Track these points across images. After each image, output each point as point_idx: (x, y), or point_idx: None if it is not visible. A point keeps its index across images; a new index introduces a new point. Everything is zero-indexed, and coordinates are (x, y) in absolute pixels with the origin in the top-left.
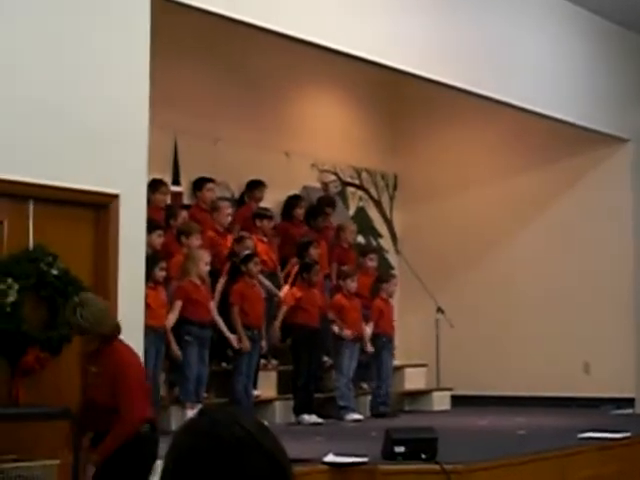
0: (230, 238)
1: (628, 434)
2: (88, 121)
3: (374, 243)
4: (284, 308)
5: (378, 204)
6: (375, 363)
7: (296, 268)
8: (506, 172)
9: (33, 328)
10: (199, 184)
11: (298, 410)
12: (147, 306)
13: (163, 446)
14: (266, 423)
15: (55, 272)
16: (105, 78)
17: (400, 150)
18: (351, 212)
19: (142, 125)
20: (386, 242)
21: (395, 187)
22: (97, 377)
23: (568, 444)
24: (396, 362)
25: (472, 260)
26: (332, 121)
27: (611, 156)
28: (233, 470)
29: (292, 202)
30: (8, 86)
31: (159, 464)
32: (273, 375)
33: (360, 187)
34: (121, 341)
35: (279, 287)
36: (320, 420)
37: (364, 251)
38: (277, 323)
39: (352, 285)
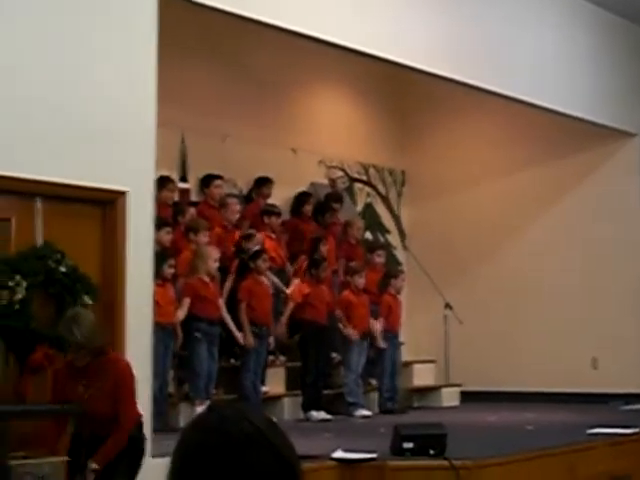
0: (238, 235)
1: (637, 430)
2: (95, 119)
3: (382, 239)
4: (291, 304)
5: (386, 200)
6: (381, 359)
7: (305, 264)
8: (514, 167)
9: (42, 325)
10: (207, 181)
11: (307, 406)
12: (155, 303)
13: (171, 443)
14: (275, 419)
15: (63, 269)
16: (112, 76)
17: (408, 146)
18: (359, 208)
19: (150, 122)
20: (394, 238)
21: (403, 183)
22: (97, 390)
23: (577, 440)
24: (405, 358)
25: (480, 256)
26: (339, 117)
27: (619, 150)
28: (241, 466)
29: (301, 199)
30: (17, 85)
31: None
32: (281, 371)
33: (368, 183)
34: (113, 350)
35: (287, 284)
36: (329, 416)
37: (372, 247)
38: (284, 319)
39: (360, 281)
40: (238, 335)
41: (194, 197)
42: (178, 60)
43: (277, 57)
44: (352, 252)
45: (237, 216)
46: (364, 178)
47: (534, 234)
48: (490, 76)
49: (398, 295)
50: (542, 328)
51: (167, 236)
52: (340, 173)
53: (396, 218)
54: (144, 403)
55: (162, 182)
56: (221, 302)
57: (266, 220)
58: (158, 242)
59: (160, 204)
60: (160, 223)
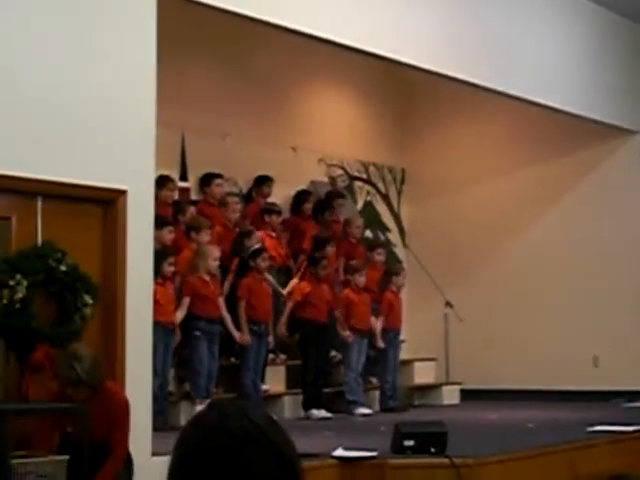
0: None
1: (638, 427)
2: (95, 118)
3: (382, 237)
4: (290, 304)
5: (386, 198)
6: (382, 358)
7: (305, 263)
8: (515, 166)
9: (42, 324)
10: (207, 180)
11: (307, 405)
12: (156, 302)
13: (171, 441)
14: (275, 417)
15: (64, 268)
16: (111, 75)
17: (408, 144)
18: (359, 206)
19: (149, 121)
20: (394, 236)
21: (403, 181)
22: (95, 419)
23: (578, 438)
24: (405, 356)
25: (481, 254)
26: (339, 116)
27: (619, 148)
28: (241, 464)
29: (301, 197)
30: (17, 84)
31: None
32: (282, 370)
33: (368, 181)
34: (110, 381)
35: (288, 282)
36: (329, 415)
37: (372, 245)
38: (283, 319)
39: (360, 280)
40: (235, 333)
41: (194, 196)
42: (178, 59)
43: (277, 56)
44: (352, 250)
45: (238, 215)
46: (364, 176)
47: (534, 232)
48: (491, 74)
49: (399, 293)
50: (543, 326)
51: (169, 235)
52: (340, 171)
53: (396, 216)
54: (144, 402)
55: (162, 181)
56: (221, 301)
57: (266, 219)
58: (160, 241)
59: (160, 203)
60: (161, 222)
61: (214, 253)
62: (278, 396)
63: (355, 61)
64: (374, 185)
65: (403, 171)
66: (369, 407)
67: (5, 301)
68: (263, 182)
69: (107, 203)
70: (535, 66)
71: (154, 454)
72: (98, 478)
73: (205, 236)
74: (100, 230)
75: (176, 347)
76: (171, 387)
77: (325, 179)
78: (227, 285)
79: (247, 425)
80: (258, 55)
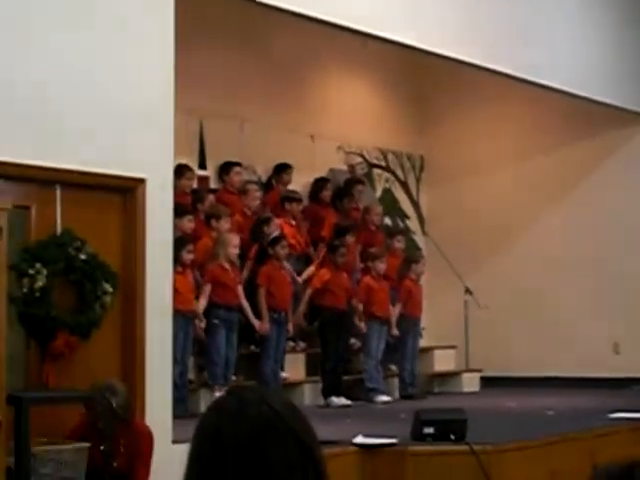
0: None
1: None
2: (114, 106)
3: (401, 225)
4: (309, 291)
5: (405, 186)
6: (400, 345)
7: (324, 251)
8: (534, 151)
9: (62, 313)
10: (226, 168)
11: (327, 393)
12: (175, 290)
13: (191, 429)
14: (295, 403)
15: (83, 257)
16: (130, 63)
17: (426, 131)
18: (378, 194)
19: (168, 109)
20: (413, 224)
21: (422, 168)
22: (120, 449)
23: (598, 425)
24: (425, 344)
25: (500, 241)
26: (358, 103)
27: (638, 133)
28: (259, 451)
29: (319, 184)
30: (32, 73)
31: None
32: (301, 357)
33: (386, 169)
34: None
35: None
36: (349, 402)
37: (391, 233)
38: (301, 308)
39: (381, 267)
40: (255, 322)
41: (213, 184)
42: (196, 47)
43: (295, 43)
44: (371, 238)
45: (257, 202)
46: (383, 164)
47: (554, 217)
48: (509, 60)
49: (418, 280)
50: (563, 313)
51: (189, 224)
52: (359, 159)
53: (415, 203)
54: (165, 390)
55: (181, 170)
56: (240, 289)
57: (287, 207)
58: (181, 230)
59: (179, 192)
60: (181, 211)
61: (234, 241)
62: (298, 384)
63: (373, 48)
64: (393, 172)
65: (422, 158)
66: (389, 394)
67: (25, 290)
68: (283, 170)
69: (126, 192)
70: (553, 51)
71: (174, 441)
72: None
73: (225, 224)
74: (119, 219)
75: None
76: (191, 375)
77: (344, 167)
78: (246, 272)
79: (266, 411)
80: (277, 42)
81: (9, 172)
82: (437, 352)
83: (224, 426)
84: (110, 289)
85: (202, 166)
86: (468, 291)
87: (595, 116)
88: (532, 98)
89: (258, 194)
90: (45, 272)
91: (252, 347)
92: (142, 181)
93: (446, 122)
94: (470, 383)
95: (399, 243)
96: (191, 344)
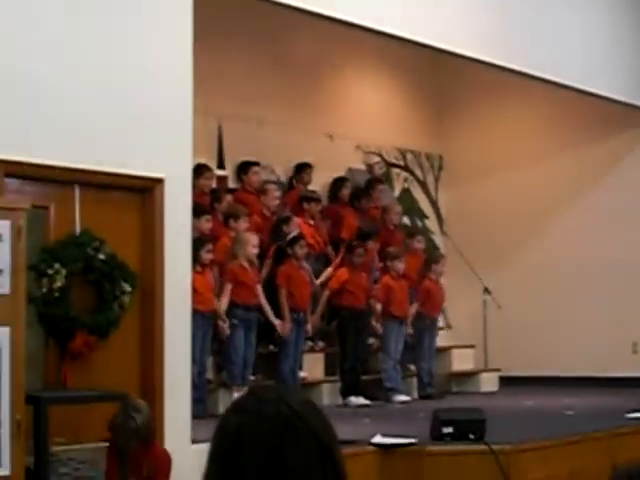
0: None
1: None
2: (132, 106)
3: (419, 224)
4: (326, 292)
5: (423, 185)
6: (417, 344)
7: (342, 251)
8: (552, 150)
9: (81, 312)
10: (244, 168)
11: (345, 392)
12: (194, 290)
13: (210, 429)
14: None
15: (102, 257)
16: (148, 63)
17: (445, 131)
18: (396, 193)
19: (186, 109)
20: (432, 223)
21: (440, 168)
22: (138, 470)
23: (617, 424)
24: (444, 343)
25: (519, 240)
26: (376, 102)
27: None
28: (278, 450)
29: (338, 184)
30: (50, 73)
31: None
32: (320, 357)
33: (405, 168)
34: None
35: (326, 269)
36: (367, 402)
37: (411, 233)
38: (319, 309)
39: (400, 266)
40: (275, 322)
41: (231, 184)
42: (214, 47)
43: (313, 43)
44: (390, 237)
45: (277, 202)
46: (401, 163)
47: (573, 217)
48: (528, 60)
49: (438, 280)
50: (581, 312)
51: (207, 224)
52: (377, 158)
53: (434, 203)
54: (184, 390)
55: (199, 170)
56: (259, 288)
57: (305, 206)
58: (198, 230)
59: (198, 192)
60: (199, 211)
61: (253, 240)
62: (316, 383)
63: (392, 47)
64: (411, 172)
65: (440, 158)
66: (407, 394)
67: (44, 290)
68: (303, 169)
69: (145, 192)
70: (572, 51)
71: (193, 441)
72: None
73: (243, 224)
74: (138, 218)
75: (214, 334)
76: (210, 375)
77: (362, 166)
78: (265, 272)
79: (285, 410)
80: (295, 42)
81: (28, 172)
82: (455, 351)
83: (244, 425)
84: (129, 289)
85: (220, 166)
86: (487, 291)
87: (613, 115)
88: (550, 97)
89: (277, 194)
90: (64, 272)
91: (271, 347)
92: (161, 181)
93: (465, 122)
94: (489, 383)
95: (419, 243)
96: (210, 344)
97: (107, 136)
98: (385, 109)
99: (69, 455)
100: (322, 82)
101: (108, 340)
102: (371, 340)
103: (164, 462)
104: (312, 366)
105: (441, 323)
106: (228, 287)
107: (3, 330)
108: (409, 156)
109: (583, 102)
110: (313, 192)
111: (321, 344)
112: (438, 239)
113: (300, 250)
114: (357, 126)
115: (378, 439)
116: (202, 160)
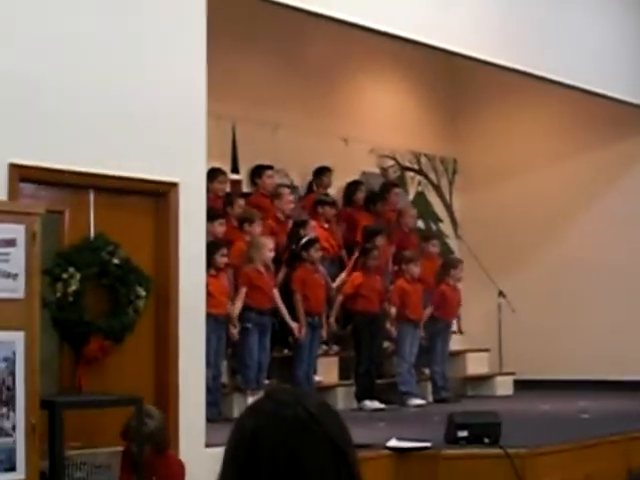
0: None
1: None
2: (146, 111)
3: (434, 228)
4: (340, 297)
5: (438, 189)
6: (431, 348)
7: (356, 255)
8: (567, 153)
9: (96, 317)
10: (258, 171)
11: (360, 396)
12: (208, 294)
13: (224, 433)
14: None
15: (116, 261)
16: (162, 68)
17: (459, 134)
18: (410, 197)
19: (200, 114)
20: (446, 227)
21: (454, 171)
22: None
23: (633, 428)
24: (458, 347)
25: (533, 243)
26: (390, 106)
27: None
28: (294, 453)
29: (352, 188)
30: (64, 80)
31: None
32: (334, 361)
33: (419, 172)
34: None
35: (340, 272)
36: (382, 406)
37: (426, 236)
38: (333, 314)
39: (415, 270)
40: (294, 326)
41: (245, 188)
42: (228, 51)
43: (327, 46)
44: (405, 240)
45: (291, 206)
46: (415, 167)
47: (587, 220)
48: (543, 63)
49: (456, 285)
50: (597, 316)
51: (220, 228)
52: (391, 162)
53: (448, 207)
54: (198, 394)
55: (213, 174)
56: (276, 292)
57: (320, 210)
58: (212, 234)
59: (212, 196)
60: (213, 215)
61: (269, 244)
62: (331, 387)
63: (406, 51)
64: (426, 176)
65: (455, 161)
66: (422, 398)
67: (59, 294)
68: (322, 173)
69: (159, 196)
70: (586, 53)
71: (207, 445)
72: None
73: (258, 228)
74: (152, 223)
75: (228, 338)
76: (224, 379)
77: (377, 170)
78: (281, 276)
79: (301, 414)
80: (309, 46)
81: (43, 177)
82: (470, 355)
83: (261, 428)
84: (143, 293)
85: (235, 170)
86: (501, 294)
87: (627, 117)
88: (565, 100)
89: (291, 198)
90: (78, 276)
91: (285, 351)
92: (175, 185)
93: (479, 125)
94: (503, 386)
95: (434, 247)
96: (224, 348)
97: (121, 141)
98: (399, 112)
99: (84, 459)
100: (336, 86)
101: (123, 344)
102: (386, 344)
103: (176, 471)
104: (326, 370)
105: (454, 327)
106: (243, 291)
107: (18, 335)
108: (423, 159)
109: (597, 104)
110: (327, 195)
111: (335, 348)
112: (452, 243)
113: (315, 254)
114: (371, 130)
115: (393, 443)
116: (216, 164)
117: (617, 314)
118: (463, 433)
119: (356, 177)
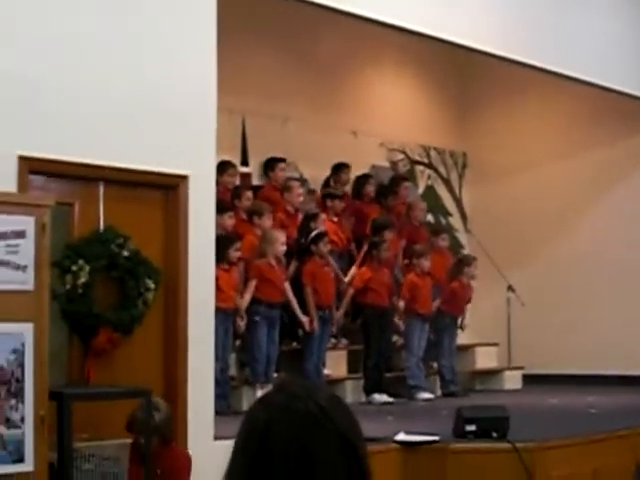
0: (300, 219)
1: None
2: (157, 103)
3: (443, 222)
4: (350, 292)
5: (447, 183)
6: (438, 342)
7: (365, 248)
8: (576, 148)
9: (105, 309)
10: (271, 164)
11: (369, 390)
12: (218, 288)
13: (233, 426)
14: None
15: (126, 253)
16: (173, 61)
17: (469, 128)
18: (420, 191)
19: (211, 106)
20: (456, 221)
21: (464, 165)
22: (160, 476)
23: None
24: (467, 341)
25: (542, 237)
26: (400, 100)
27: None
28: (307, 446)
29: (362, 181)
30: (77, 70)
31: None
32: (343, 354)
33: (429, 166)
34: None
35: (349, 266)
36: (391, 399)
37: (436, 231)
38: (342, 309)
39: (425, 264)
40: (304, 320)
41: (255, 181)
42: (238, 45)
43: (338, 41)
44: (415, 234)
45: (301, 199)
46: (425, 161)
47: (598, 215)
48: (553, 57)
49: (470, 283)
50: (606, 311)
51: (230, 220)
52: (401, 156)
53: (457, 201)
54: (206, 386)
55: (223, 167)
56: (287, 285)
57: (329, 203)
58: (221, 226)
59: (222, 188)
60: (222, 207)
61: (281, 238)
62: (340, 380)
63: (416, 45)
64: (435, 169)
65: (464, 155)
66: (431, 392)
67: (68, 286)
68: (340, 169)
69: (169, 188)
70: (597, 48)
71: (216, 438)
72: None
73: (267, 220)
74: (162, 215)
75: (240, 332)
76: (233, 372)
77: (386, 163)
78: (292, 269)
79: (313, 408)
80: (319, 40)
81: (52, 169)
82: (479, 349)
83: (272, 421)
84: (152, 285)
85: (244, 163)
86: (511, 288)
87: (638, 112)
88: (575, 95)
89: (301, 191)
90: (88, 268)
91: (294, 344)
92: (185, 178)
93: (489, 119)
94: (512, 381)
95: (444, 241)
96: (231, 340)
97: (131, 133)
98: (409, 106)
99: (92, 451)
100: (346, 79)
101: (131, 337)
102: (395, 338)
103: (182, 464)
104: (335, 363)
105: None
106: (252, 284)
107: (27, 326)
108: (433, 153)
109: (607, 99)
110: (336, 189)
111: (344, 341)
112: (462, 237)
113: (324, 247)
114: (381, 123)
115: (401, 437)
116: (226, 157)
117: (627, 309)
118: (471, 427)
119: (366, 170)
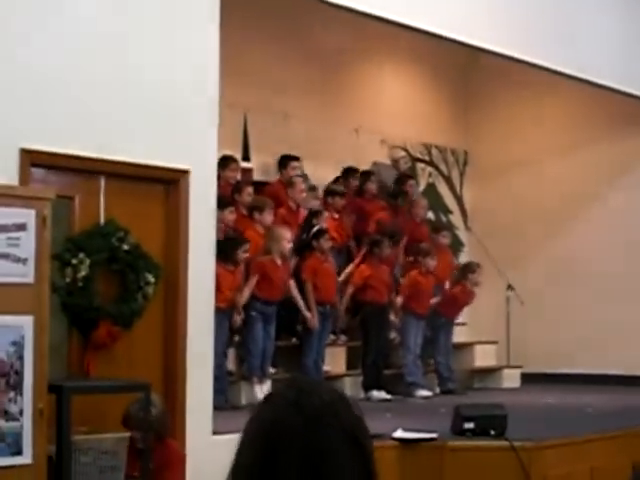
0: (302, 215)
1: None
2: (158, 98)
3: (444, 219)
4: (350, 289)
5: (448, 180)
6: (433, 339)
7: (365, 248)
8: (577, 147)
9: (105, 302)
10: (284, 162)
11: (367, 386)
12: (217, 289)
13: (231, 421)
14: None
15: (126, 247)
16: (174, 55)
17: (470, 126)
18: (421, 188)
19: (212, 102)
20: (456, 218)
21: (465, 163)
22: (150, 471)
23: (638, 423)
24: (466, 339)
25: (542, 236)
26: (402, 97)
27: None
28: (310, 444)
29: (363, 178)
30: (78, 66)
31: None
32: (342, 351)
33: (430, 163)
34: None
35: (348, 263)
36: (389, 396)
37: (437, 228)
38: (342, 307)
39: (431, 263)
40: (308, 315)
41: (256, 176)
42: (240, 40)
43: (340, 36)
44: (417, 231)
45: (303, 195)
46: (426, 158)
47: (598, 213)
48: (555, 55)
49: (472, 289)
50: (605, 310)
51: (231, 216)
52: (402, 153)
53: (458, 198)
54: (205, 381)
55: (225, 161)
56: (292, 283)
57: (330, 200)
58: (222, 222)
59: (223, 184)
60: (223, 203)
61: (287, 235)
62: (339, 377)
63: (419, 42)
64: (436, 167)
65: (466, 153)
66: (429, 389)
67: (68, 279)
68: (350, 173)
69: (170, 183)
70: (600, 47)
71: (215, 433)
72: None
73: (268, 216)
74: (162, 210)
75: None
76: (232, 367)
77: (387, 161)
78: (292, 265)
79: (317, 403)
80: (321, 36)
81: (54, 162)
82: (478, 347)
83: (279, 418)
84: (152, 279)
85: (246, 158)
86: (510, 287)
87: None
88: (577, 93)
89: (303, 187)
90: (88, 262)
91: (293, 339)
92: (186, 172)
93: (490, 117)
94: (510, 379)
95: (445, 239)
96: (228, 335)
97: (133, 127)
98: (411, 104)
99: (90, 445)
100: (348, 76)
101: (131, 330)
102: (392, 335)
103: (175, 459)
104: (334, 360)
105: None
106: (253, 280)
107: (27, 319)
108: (434, 151)
109: (608, 98)
110: (337, 186)
111: (343, 338)
112: (462, 234)
113: (325, 243)
114: (383, 120)
115: (399, 434)
116: (227, 152)
117: (626, 309)
118: (469, 425)
119: (367, 168)
